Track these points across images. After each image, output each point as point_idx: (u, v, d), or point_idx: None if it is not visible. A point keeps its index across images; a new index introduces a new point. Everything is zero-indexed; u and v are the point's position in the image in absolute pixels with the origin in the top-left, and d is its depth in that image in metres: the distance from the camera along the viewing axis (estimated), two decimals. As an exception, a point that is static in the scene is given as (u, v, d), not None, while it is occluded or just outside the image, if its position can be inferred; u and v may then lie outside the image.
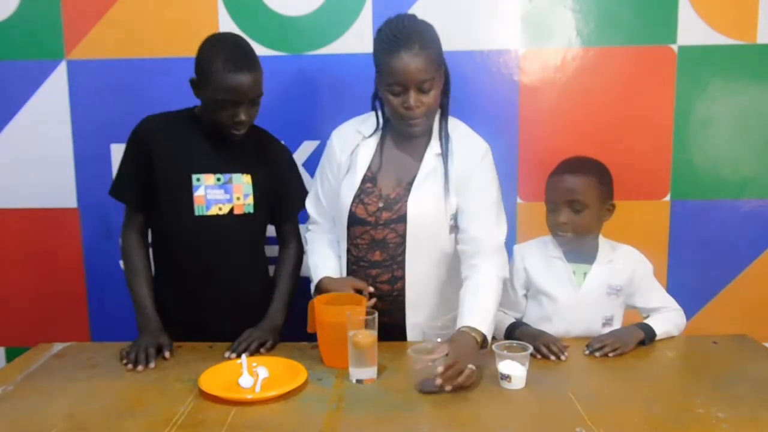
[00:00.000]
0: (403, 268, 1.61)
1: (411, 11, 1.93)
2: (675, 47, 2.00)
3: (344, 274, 1.66)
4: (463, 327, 1.44)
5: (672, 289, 2.03)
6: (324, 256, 1.68)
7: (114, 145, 2.08)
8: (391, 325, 1.59)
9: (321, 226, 1.74)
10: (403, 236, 1.60)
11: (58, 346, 1.62)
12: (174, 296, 1.70)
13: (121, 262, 1.72)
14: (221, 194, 1.64)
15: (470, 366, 1.32)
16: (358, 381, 1.39)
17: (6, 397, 1.34)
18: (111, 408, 1.28)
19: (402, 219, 1.59)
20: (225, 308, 1.69)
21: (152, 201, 1.65)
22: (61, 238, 2.15)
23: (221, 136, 1.62)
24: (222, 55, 1.52)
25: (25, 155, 2.11)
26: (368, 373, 1.39)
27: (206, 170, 1.64)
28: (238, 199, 1.66)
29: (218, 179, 1.64)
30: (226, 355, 1.53)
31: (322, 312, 1.47)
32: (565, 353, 1.50)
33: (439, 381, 1.29)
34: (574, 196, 1.61)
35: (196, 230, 1.64)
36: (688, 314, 2.04)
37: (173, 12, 2.03)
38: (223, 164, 1.65)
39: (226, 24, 2.02)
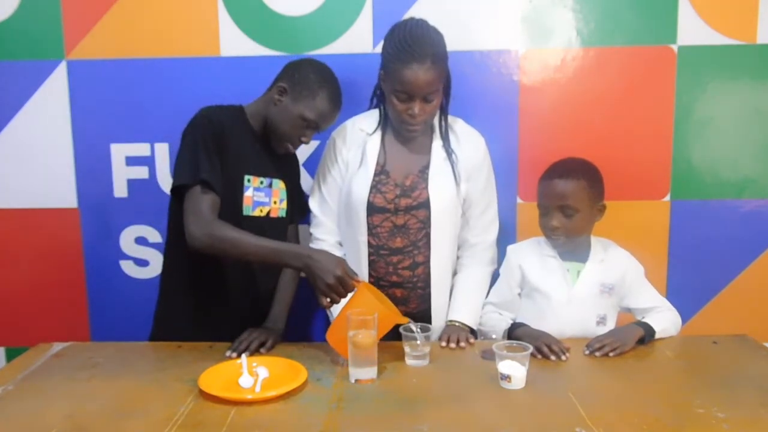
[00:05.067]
0: (423, 254, 1.71)
1: (411, 11, 1.95)
2: (675, 47, 2.00)
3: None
4: (456, 321, 1.71)
5: (672, 289, 2.04)
6: None
7: (114, 145, 2.08)
8: (409, 315, 1.62)
9: (325, 227, 1.78)
10: (424, 221, 1.69)
11: (58, 346, 1.62)
12: (213, 296, 1.68)
13: (213, 242, 1.51)
14: (263, 197, 1.69)
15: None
16: (358, 381, 1.39)
17: (6, 397, 1.34)
18: (111, 408, 1.28)
19: (422, 205, 1.68)
20: (263, 309, 1.72)
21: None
22: (61, 238, 2.15)
23: (265, 142, 1.69)
24: (330, 85, 1.65)
25: (25, 155, 2.11)
26: (368, 373, 1.39)
27: (255, 172, 1.67)
28: (275, 203, 1.72)
29: (261, 182, 1.68)
30: (227, 354, 1.53)
31: (359, 296, 1.47)
32: (566, 354, 1.51)
33: (443, 343, 1.60)
34: (564, 201, 1.62)
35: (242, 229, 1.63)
36: (688, 314, 2.06)
37: (173, 12, 2.03)
38: (266, 169, 1.69)
39: (226, 24, 2.02)
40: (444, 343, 1.60)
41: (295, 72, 1.65)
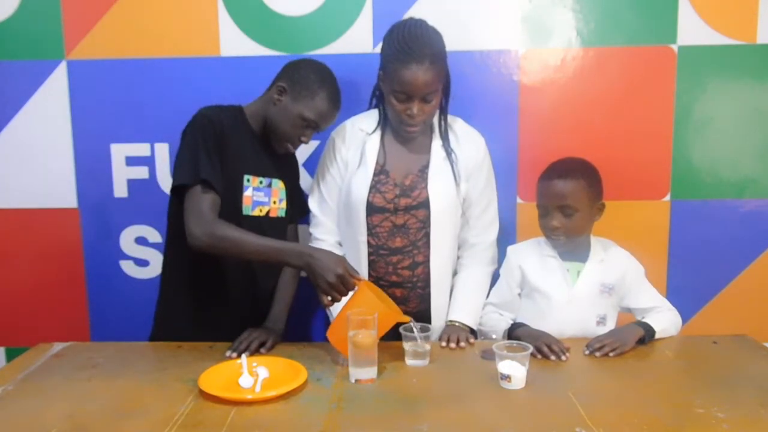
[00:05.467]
0: (423, 253, 1.71)
1: (411, 11, 1.95)
2: (675, 47, 2.00)
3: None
4: (456, 321, 1.70)
5: (672, 289, 2.04)
6: None
7: (114, 145, 2.08)
8: (409, 314, 1.62)
9: (325, 227, 1.78)
10: (423, 221, 1.69)
11: (58, 346, 1.62)
12: (213, 296, 1.69)
13: (215, 241, 1.50)
14: (262, 197, 1.69)
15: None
16: (358, 381, 1.39)
17: (6, 397, 1.34)
18: (111, 408, 1.28)
19: (422, 205, 1.68)
20: (263, 309, 1.72)
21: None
22: (61, 238, 2.15)
23: (265, 143, 1.70)
24: (329, 85, 1.65)
25: (25, 155, 2.11)
26: (368, 373, 1.40)
27: (254, 172, 1.68)
28: (275, 203, 1.72)
29: (261, 182, 1.69)
30: (227, 354, 1.53)
31: (360, 295, 1.46)
32: (566, 354, 1.51)
33: (443, 343, 1.60)
34: (564, 201, 1.62)
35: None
36: (688, 314, 2.06)
37: (173, 12, 2.03)
38: (266, 168, 1.70)
39: (226, 24, 2.02)
40: (444, 343, 1.60)
41: (295, 72, 1.65)
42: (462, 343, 1.59)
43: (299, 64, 1.68)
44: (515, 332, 1.60)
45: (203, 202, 1.53)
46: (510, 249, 1.78)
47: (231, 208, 1.62)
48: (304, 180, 1.94)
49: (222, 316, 1.68)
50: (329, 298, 1.47)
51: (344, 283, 1.45)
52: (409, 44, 1.56)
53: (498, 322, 1.71)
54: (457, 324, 1.70)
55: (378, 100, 1.74)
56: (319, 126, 1.67)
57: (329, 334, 1.49)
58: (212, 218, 1.52)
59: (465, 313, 1.72)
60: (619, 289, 1.68)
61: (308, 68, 1.66)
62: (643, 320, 1.65)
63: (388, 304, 1.53)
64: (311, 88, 1.62)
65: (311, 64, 1.68)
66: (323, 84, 1.64)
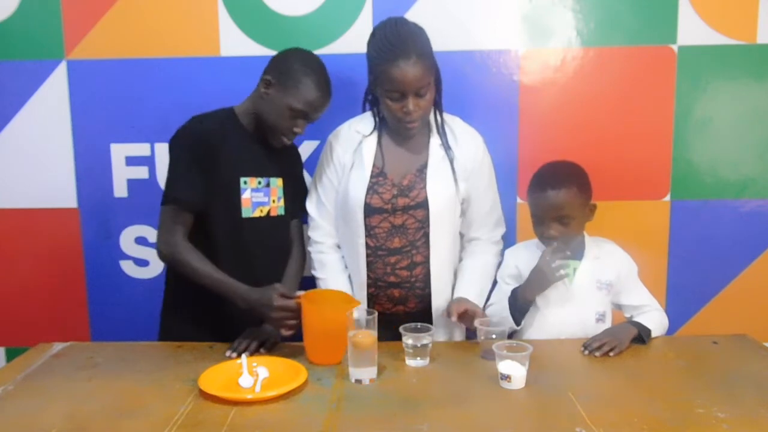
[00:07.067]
0: (422, 254, 1.70)
1: (411, 11, 1.95)
2: (675, 47, 2.00)
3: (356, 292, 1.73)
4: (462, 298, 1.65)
5: (672, 289, 2.05)
6: (337, 283, 1.73)
7: (114, 145, 2.08)
8: (406, 314, 1.61)
9: (323, 230, 1.78)
10: (422, 221, 1.68)
11: (58, 346, 1.62)
12: (214, 296, 1.65)
13: (174, 264, 1.63)
14: (261, 197, 1.69)
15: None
16: (358, 381, 1.39)
17: (6, 397, 1.34)
18: (111, 408, 1.28)
19: (421, 205, 1.68)
20: None
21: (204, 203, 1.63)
22: (61, 238, 2.15)
23: (261, 140, 1.68)
24: (315, 73, 1.62)
25: (25, 155, 2.11)
26: (368, 373, 1.40)
27: (251, 174, 1.67)
28: (274, 201, 1.72)
29: (259, 182, 1.68)
30: (227, 354, 1.53)
31: (306, 312, 1.49)
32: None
33: (454, 318, 1.57)
34: (561, 212, 1.60)
35: (242, 232, 1.65)
36: (688, 314, 2.07)
37: (173, 12, 2.03)
38: (263, 168, 1.69)
39: (226, 24, 2.02)
40: (453, 317, 1.57)
41: (280, 63, 1.63)
42: (471, 318, 1.56)
43: (285, 55, 1.66)
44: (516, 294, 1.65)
45: (172, 222, 1.60)
46: (507, 252, 1.78)
47: (230, 213, 1.63)
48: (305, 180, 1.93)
49: (222, 315, 1.68)
50: (285, 329, 1.51)
51: (287, 310, 1.48)
52: (393, 42, 1.56)
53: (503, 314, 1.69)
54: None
55: (371, 103, 1.74)
56: (309, 115, 1.63)
57: (311, 358, 1.50)
58: (178, 240, 1.59)
59: (472, 292, 1.68)
60: (616, 285, 1.68)
61: (293, 58, 1.63)
62: (635, 320, 1.65)
63: (334, 300, 1.55)
64: (296, 78, 1.59)
65: (296, 54, 1.65)
66: (308, 72, 1.61)
